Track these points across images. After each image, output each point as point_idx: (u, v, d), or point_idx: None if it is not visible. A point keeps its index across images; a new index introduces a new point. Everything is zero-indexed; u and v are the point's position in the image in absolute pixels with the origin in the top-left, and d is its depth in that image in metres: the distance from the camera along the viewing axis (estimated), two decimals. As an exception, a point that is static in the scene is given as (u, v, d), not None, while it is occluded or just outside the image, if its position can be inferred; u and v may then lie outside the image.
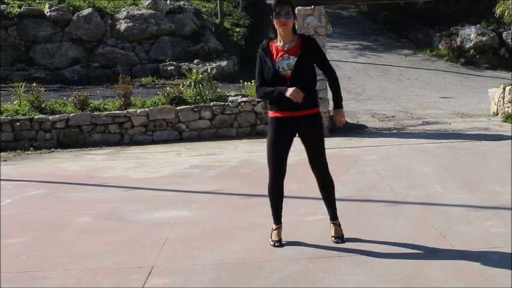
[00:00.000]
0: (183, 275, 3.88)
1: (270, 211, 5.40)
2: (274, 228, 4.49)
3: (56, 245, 4.69)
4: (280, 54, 4.21)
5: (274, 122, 4.30)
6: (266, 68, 4.23)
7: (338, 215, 4.51)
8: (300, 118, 4.23)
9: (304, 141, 4.37)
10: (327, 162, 4.39)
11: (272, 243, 4.41)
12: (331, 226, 4.51)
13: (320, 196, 5.90)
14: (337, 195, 5.89)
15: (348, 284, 3.61)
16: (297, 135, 4.40)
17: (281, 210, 4.51)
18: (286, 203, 5.74)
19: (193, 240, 4.62)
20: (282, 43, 4.25)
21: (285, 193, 6.07)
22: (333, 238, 4.44)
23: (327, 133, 10.11)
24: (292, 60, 4.17)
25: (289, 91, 4.06)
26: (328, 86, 4.49)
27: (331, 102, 12.27)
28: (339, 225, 4.50)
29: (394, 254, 4.09)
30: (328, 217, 4.57)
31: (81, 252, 4.47)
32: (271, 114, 4.33)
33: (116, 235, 4.89)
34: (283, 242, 4.41)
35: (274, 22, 4.22)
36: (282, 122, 4.27)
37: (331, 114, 10.73)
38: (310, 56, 4.23)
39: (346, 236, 4.56)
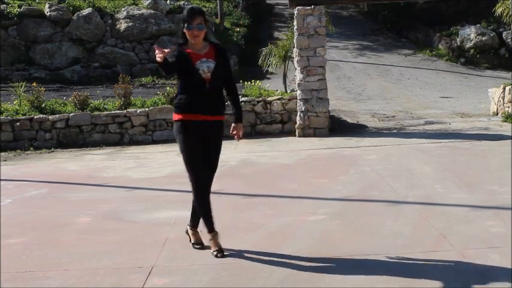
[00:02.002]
0: (183, 275, 3.88)
1: (270, 211, 5.42)
2: (210, 238, 4.28)
3: (56, 245, 4.69)
4: (198, 57, 4.15)
5: (182, 126, 4.16)
6: (186, 69, 4.11)
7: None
8: (207, 123, 4.16)
9: (204, 148, 4.22)
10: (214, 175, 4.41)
11: (215, 253, 4.19)
12: (191, 233, 4.46)
13: (320, 196, 5.93)
14: (337, 195, 5.94)
15: (348, 284, 3.61)
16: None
17: (211, 215, 4.31)
18: (286, 202, 5.78)
19: (193, 240, 4.62)
20: (196, 48, 4.18)
21: (285, 193, 6.12)
22: (193, 245, 4.40)
23: (327, 133, 10.11)
24: (212, 63, 4.16)
25: (156, 56, 3.94)
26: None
27: (331, 103, 12.25)
28: (197, 232, 4.43)
29: (394, 254, 4.09)
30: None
31: (81, 252, 4.47)
32: (177, 117, 4.18)
33: (116, 235, 4.89)
34: (225, 253, 4.22)
35: (186, 33, 4.14)
36: (190, 126, 4.15)
37: (331, 114, 10.75)
38: (223, 64, 4.24)
39: (347, 235, 4.56)
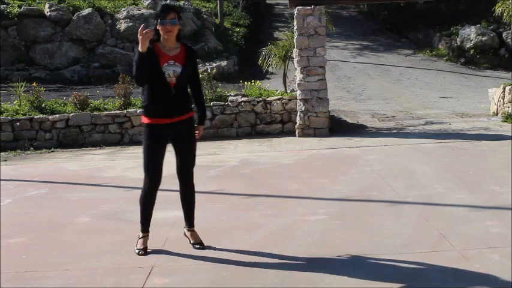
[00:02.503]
0: (183, 275, 3.88)
1: (269, 211, 5.42)
2: (140, 236, 4.38)
3: (56, 245, 4.69)
4: (166, 59, 4.14)
5: (149, 130, 4.25)
6: (152, 69, 4.10)
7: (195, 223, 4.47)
8: (175, 124, 4.20)
9: (177, 147, 4.32)
10: (193, 170, 4.41)
11: (137, 251, 4.32)
12: (189, 234, 4.47)
13: (320, 196, 5.93)
14: (337, 195, 5.94)
15: (348, 284, 3.61)
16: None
17: (150, 218, 4.41)
18: (286, 202, 5.78)
19: (193, 240, 4.62)
20: (166, 48, 4.18)
21: (285, 193, 6.12)
22: (193, 245, 4.39)
23: (327, 133, 10.12)
24: (178, 68, 4.15)
25: (140, 41, 3.91)
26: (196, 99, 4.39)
27: (331, 102, 12.21)
28: (195, 232, 4.47)
29: (394, 254, 4.09)
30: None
31: (81, 252, 4.47)
32: (145, 120, 4.25)
33: (115, 235, 4.89)
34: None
35: (159, 28, 4.12)
36: (157, 130, 4.22)
37: (331, 114, 10.75)
38: (191, 67, 4.26)
39: (347, 235, 4.56)
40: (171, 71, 4.14)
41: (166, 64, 4.14)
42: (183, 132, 4.28)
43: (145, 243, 4.36)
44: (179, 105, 4.21)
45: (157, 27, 4.15)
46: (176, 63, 4.16)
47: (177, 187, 6.64)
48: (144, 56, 3.98)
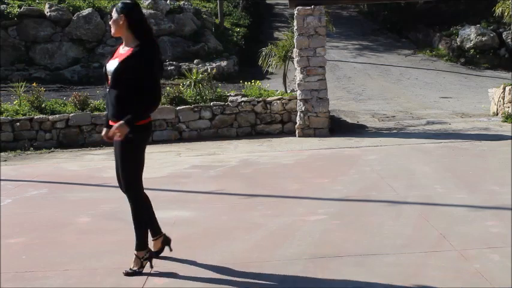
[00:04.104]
0: (183, 275, 3.89)
1: (269, 211, 5.42)
2: (153, 239, 4.17)
3: (56, 245, 4.69)
4: (115, 57, 3.91)
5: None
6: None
7: (144, 244, 4.00)
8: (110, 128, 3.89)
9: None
10: (133, 181, 3.99)
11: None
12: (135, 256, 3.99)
13: (320, 196, 5.93)
14: (337, 195, 5.93)
15: (348, 284, 3.61)
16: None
17: (154, 220, 4.19)
18: (286, 202, 5.78)
19: (193, 240, 4.63)
20: (123, 46, 3.94)
21: (285, 193, 6.12)
22: (129, 269, 3.94)
23: (327, 133, 10.11)
24: (116, 65, 3.83)
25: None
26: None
27: (331, 102, 12.20)
28: (138, 257, 3.96)
29: (394, 254, 4.10)
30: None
31: (81, 252, 4.47)
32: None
33: (115, 235, 4.89)
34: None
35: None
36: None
37: (331, 114, 10.75)
38: (130, 67, 3.78)
39: (347, 235, 4.56)
40: (112, 68, 3.87)
41: (112, 61, 3.92)
42: (116, 141, 3.90)
43: (156, 246, 4.24)
44: (112, 108, 3.88)
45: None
46: (117, 61, 3.85)
47: (178, 187, 6.67)
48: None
